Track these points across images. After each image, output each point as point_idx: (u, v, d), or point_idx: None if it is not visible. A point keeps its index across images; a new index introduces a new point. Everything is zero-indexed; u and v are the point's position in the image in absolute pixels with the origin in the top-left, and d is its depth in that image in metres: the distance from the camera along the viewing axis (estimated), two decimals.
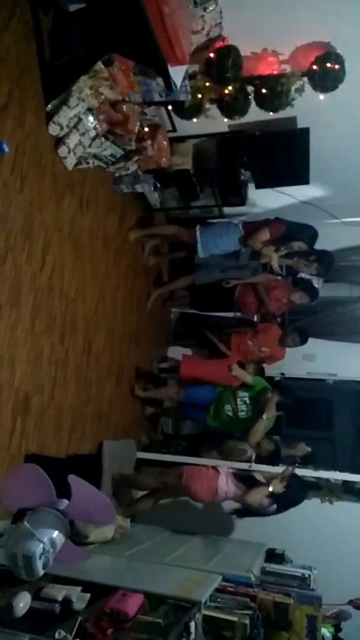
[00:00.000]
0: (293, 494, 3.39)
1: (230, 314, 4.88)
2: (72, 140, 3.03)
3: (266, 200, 4.72)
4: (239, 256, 4.38)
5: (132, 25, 2.61)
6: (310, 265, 4.23)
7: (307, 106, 3.62)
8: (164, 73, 2.87)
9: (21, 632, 1.55)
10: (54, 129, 2.92)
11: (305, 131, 3.91)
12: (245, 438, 4.00)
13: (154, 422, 4.79)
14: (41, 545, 1.65)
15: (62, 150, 3.03)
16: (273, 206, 4.76)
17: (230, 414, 4.02)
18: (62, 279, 3.14)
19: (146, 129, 3.60)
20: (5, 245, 2.56)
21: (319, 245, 4.34)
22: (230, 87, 3.55)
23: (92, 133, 3.10)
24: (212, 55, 3.45)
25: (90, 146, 3.19)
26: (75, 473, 1.82)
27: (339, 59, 3.34)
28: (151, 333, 4.77)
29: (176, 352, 4.99)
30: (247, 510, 3.50)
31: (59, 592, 1.86)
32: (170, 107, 3.76)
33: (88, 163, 3.33)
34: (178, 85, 3.10)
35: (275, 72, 3.52)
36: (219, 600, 2.27)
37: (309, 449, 4.28)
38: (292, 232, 4.26)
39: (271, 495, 3.30)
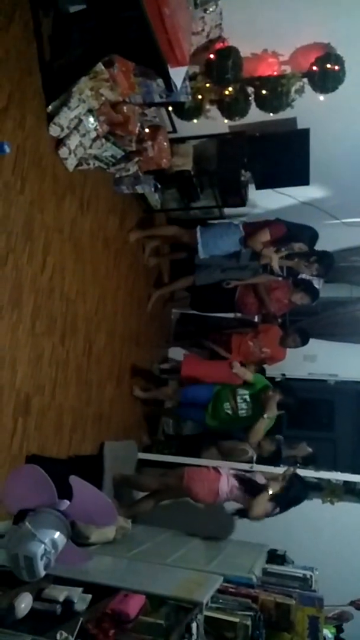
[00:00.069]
0: (295, 492, 3.38)
1: (231, 315, 4.88)
2: (73, 142, 3.04)
3: (266, 201, 4.72)
4: (239, 257, 4.38)
5: (133, 27, 2.62)
6: (310, 266, 4.23)
7: (307, 107, 3.62)
8: (164, 74, 2.88)
9: (23, 633, 1.55)
10: (54, 130, 2.92)
11: (306, 132, 3.92)
12: (246, 438, 4.00)
13: (153, 422, 4.78)
14: (42, 546, 1.65)
15: (63, 152, 3.03)
16: (273, 207, 4.76)
17: (230, 412, 4.01)
18: (62, 280, 3.14)
19: (147, 130, 3.60)
20: (6, 246, 2.57)
21: (319, 246, 4.34)
22: (230, 88, 3.56)
23: (93, 134, 3.11)
24: (212, 56, 3.46)
25: (90, 147, 3.19)
26: (76, 474, 1.82)
27: (338, 60, 3.35)
28: (152, 334, 4.77)
29: (177, 353, 4.99)
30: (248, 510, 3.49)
31: (61, 593, 1.86)
32: (170, 108, 3.77)
33: (89, 164, 3.34)
34: (178, 86, 3.11)
35: (275, 73, 3.53)
36: (220, 601, 2.27)
37: (310, 450, 4.28)
38: (293, 233, 4.26)
39: (272, 497, 3.29)
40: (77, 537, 2.54)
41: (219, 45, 3.45)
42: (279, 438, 4.16)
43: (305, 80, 3.46)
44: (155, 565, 2.64)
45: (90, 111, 3.00)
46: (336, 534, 3.83)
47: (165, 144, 3.74)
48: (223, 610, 2.19)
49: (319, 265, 4.22)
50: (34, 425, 2.86)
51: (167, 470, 3.74)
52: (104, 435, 3.71)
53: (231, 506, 3.66)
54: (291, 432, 4.99)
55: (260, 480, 3.47)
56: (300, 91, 3.50)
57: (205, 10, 3.24)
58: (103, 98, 3.00)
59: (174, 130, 3.96)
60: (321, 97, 3.52)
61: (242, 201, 4.47)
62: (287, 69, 3.53)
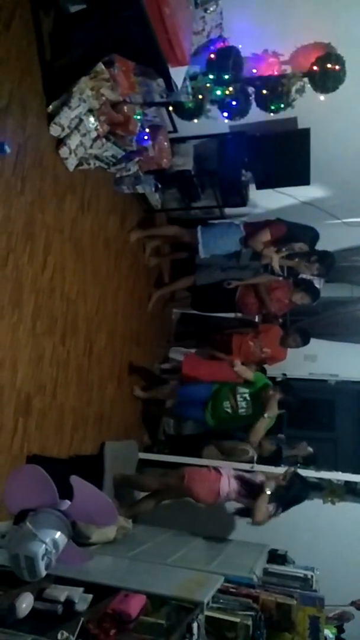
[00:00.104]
0: (295, 491, 3.38)
1: (232, 315, 4.88)
2: (73, 141, 3.03)
3: (267, 200, 4.72)
4: (240, 257, 4.38)
5: (133, 26, 2.62)
6: (311, 266, 4.23)
7: (308, 107, 3.62)
8: (164, 74, 2.88)
9: (24, 633, 1.55)
10: (55, 130, 2.92)
11: (306, 132, 3.92)
12: (247, 438, 3.99)
13: (154, 422, 4.78)
14: (43, 546, 1.65)
15: (63, 151, 3.03)
16: (274, 207, 4.76)
17: (229, 410, 3.99)
18: (63, 280, 3.14)
19: (147, 130, 3.60)
20: (6, 246, 2.57)
21: (320, 246, 4.34)
22: (231, 88, 3.56)
23: (93, 134, 3.11)
24: (212, 56, 3.46)
25: (91, 147, 3.19)
26: (77, 474, 1.82)
27: (339, 60, 3.35)
28: (152, 334, 4.77)
29: (177, 353, 4.99)
30: (250, 511, 3.49)
31: (62, 593, 1.87)
32: (171, 108, 3.76)
33: (89, 164, 3.34)
34: (179, 86, 3.10)
35: (275, 73, 3.52)
36: (221, 601, 2.27)
37: (311, 450, 4.28)
38: (293, 233, 4.26)
39: (273, 497, 3.28)
40: (77, 537, 2.54)
41: (219, 45, 3.45)
42: (280, 437, 4.15)
43: (305, 80, 3.45)
44: (156, 565, 2.64)
45: (90, 111, 3.00)
46: (337, 534, 3.83)
47: (165, 143, 3.74)
48: (224, 610, 2.19)
49: (319, 265, 4.22)
50: (35, 425, 2.86)
51: (168, 470, 3.74)
52: (104, 435, 3.71)
53: (232, 506, 3.66)
54: (292, 432, 4.98)
55: (260, 480, 3.47)
56: (300, 91, 3.49)
57: (205, 10, 3.24)
58: (104, 98, 3.00)
59: (175, 130, 3.96)
60: (322, 97, 3.51)
61: (243, 201, 4.47)
62: (288, 69, 3.53)
